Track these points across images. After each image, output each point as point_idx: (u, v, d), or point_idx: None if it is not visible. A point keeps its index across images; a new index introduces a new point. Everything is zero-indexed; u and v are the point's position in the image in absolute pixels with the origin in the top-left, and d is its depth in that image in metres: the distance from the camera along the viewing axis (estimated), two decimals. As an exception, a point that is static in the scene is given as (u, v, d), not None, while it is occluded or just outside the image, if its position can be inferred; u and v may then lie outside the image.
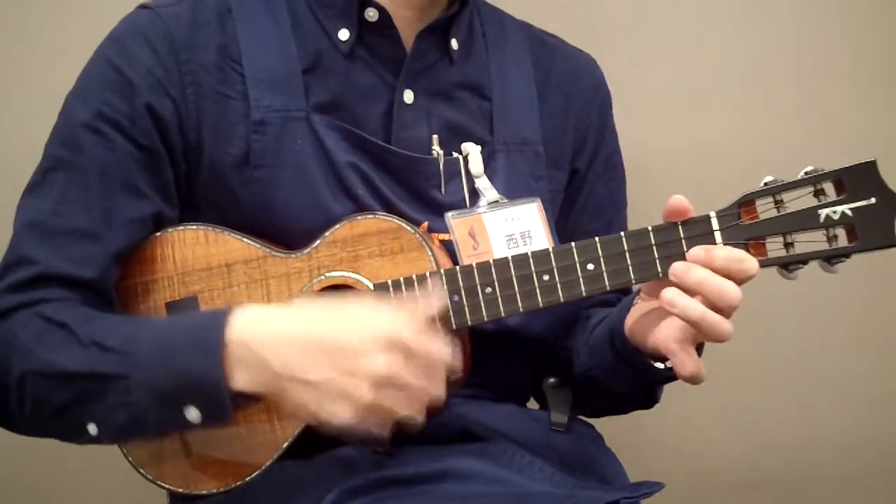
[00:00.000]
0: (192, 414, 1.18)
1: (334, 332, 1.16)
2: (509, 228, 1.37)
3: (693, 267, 1.21)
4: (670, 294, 1.21)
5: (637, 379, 1.36)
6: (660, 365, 1.32)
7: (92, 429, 1.22)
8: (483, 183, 1.40)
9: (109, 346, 1.20)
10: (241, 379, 1.17)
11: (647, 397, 1.46)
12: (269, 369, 1.16)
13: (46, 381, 1.21)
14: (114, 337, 1.21)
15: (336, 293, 1.31)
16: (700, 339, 1.23)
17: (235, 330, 1.18)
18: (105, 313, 1.26)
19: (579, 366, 1.43)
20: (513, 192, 1.40)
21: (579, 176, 1.52)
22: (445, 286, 1.26)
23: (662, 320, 1.25)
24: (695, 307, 1.20)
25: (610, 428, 1.50)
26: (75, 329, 1.22)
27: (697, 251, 1.21)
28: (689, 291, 1.21)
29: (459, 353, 1.20)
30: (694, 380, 1.23)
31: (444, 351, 1.17)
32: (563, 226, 1.49)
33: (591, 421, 1.48)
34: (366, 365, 1.14)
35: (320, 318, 1.18)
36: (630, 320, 1.30)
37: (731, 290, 1.20)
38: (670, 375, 1.33)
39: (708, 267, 1.20)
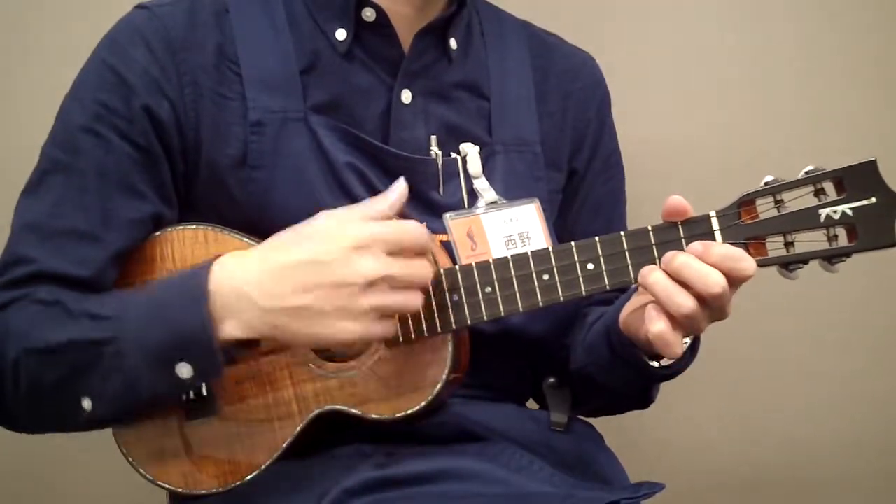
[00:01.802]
0: (184, 371, 1.19)
1: (310, 251, 1.18)
2: (508, 229, 1.37)
3: (679, 253, 1.21)
4: (644, 269, 1.22)
5: (632, 376, 1.36)
6: (655, 363, 1.32)
7: (86, 403, 1.22)
8: (481, 183, 1.40)
9: (100, 313, 1.22)
10: (230, 326, 1.19)
11: (642, 396, 1.46)
12: (257, 308, 1.18)
13: (40, 359, 1.22)
14: (104, 307, 1.22)
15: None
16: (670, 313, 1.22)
17: (216, 279, 1.19)
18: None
19: (575, 362, 1.43)
20: (511, 192, 1.40)
21: (578, 175, 1.52)
22: (447, 293, 1.26)
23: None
24: (653, 273, 1.21)
25: (610, 428, 1.50)
26: (67, 304, 1.23)
27: (695, 245, 1.21)
28: (678, 279, 1.20)
29: (432, 236, 1.23)
30: (661, 342, 1.21)
31: (418, 231, 1.20)
32: (563, 226, 1.49)
33: (591, 421, 1.48)
34: (351, 273, 1.16)
35: (292, 244, 1.21)
36: (624, 313, 1.30)
37: (713, 278, 1.18)
38: (665, 374, 1.33)
39: (703, 261, 1.20)
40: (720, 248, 1.20)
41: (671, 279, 1.20)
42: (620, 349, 1.32)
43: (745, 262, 1.20)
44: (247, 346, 1.23)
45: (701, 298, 1.19)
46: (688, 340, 1.30)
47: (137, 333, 1.20)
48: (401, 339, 1.26)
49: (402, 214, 1.31)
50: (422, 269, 1.21)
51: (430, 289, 1.25)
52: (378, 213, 1.20)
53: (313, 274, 1.17)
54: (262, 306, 1.18)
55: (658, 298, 1.20)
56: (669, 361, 1.31)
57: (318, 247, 1.18)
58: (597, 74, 1.56)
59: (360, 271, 1.17)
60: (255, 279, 1.19)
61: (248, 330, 1.19)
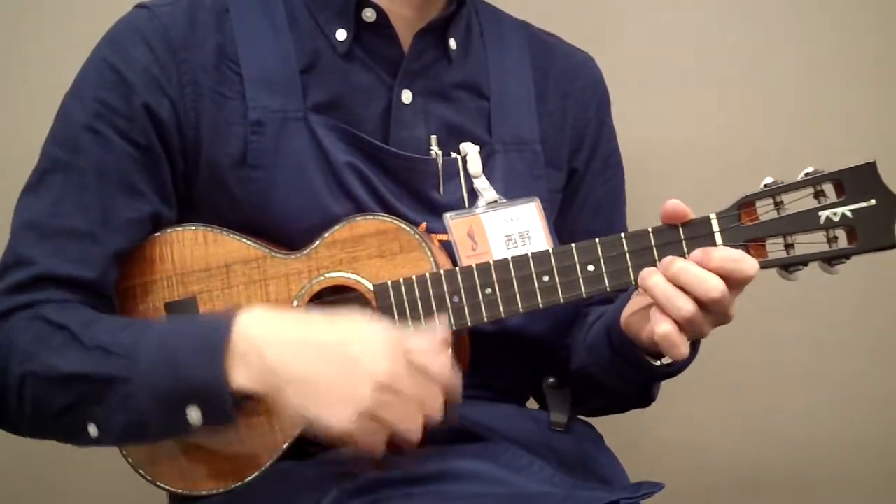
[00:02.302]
0: (194, 416, 1.18)
1: (339, 336, 1.17)
2: (508, 228, 1.37)
3: (676, 259, 1.21)
4: (644, 271, 1.22)
5: (633, 375, 1.36)
6: (656, 362, 1.32)
7: (93, 430, 1.22)
8: (481, 183, 1.40)
9: (111, 349, 1.20)
10: (241, 375, 1.17)
11: (643, 395, 1.46)
12: (269, 367, 1.16)
13: (47, 384, 1.21)
14: (116, 340, 1.21)
15: (336, 294, 1.31)
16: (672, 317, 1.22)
17: (241, 327, 1.18)
18: (106, 315, 1.26)
19: (576, 362, 1.43)
20: (511, 192, 1.40)
21: (578, 175, 1.52)
22: (446, 290, 1.26)
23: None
24: (652, 277, 1.21)
25: (610, 428, 1.50)
26: (76, 331, 1.22)
27: (696, 253, 1.22)
28: (676, 284, 1.21)
29: (459, 379, 1.20)
30: (667, 343, 1.21)
31: (445, 369, 1.18)
32: (563, 225, 1.49)
33: (591, 421, 1.48)
34: (367, 370, 1.14)
35: (326, 323, 1.19)
36: (626, 314, 1.30)
37: (712, 282, 1.19)
38: (667, 372, 1.33)
39: (704, 266, 1.20)
40: (720, 252, 1.21)
41: (670, 283, 1.20)
42: (621, 348, 1.32)
43: (745, 263, 1.20)
44: (251, 398, 1.20)
45: (701, 303, 1.19)
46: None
47: (150, 377, 1.18)
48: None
49: (395, 211, 1.33)
50: (435, 400, 1.18)
51: (430, 290, 1.25)
52: (423, 337, 1.19)
53: (333, 354, 1.16)
54: (276, 369, 1.16)
55: (658, 302, 1.21)
56: (670, 360, 1.31)
57: (349, 333, 1.17)
58: (596, 74, 1.55)
59: (376, 369, 1.15)
60: (277, 341, 1.17)
61: (257, 384, 1.17)
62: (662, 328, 1.20)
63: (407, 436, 1.17)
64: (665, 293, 1.20)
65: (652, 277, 1.21)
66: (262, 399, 1.19)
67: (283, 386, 1.16)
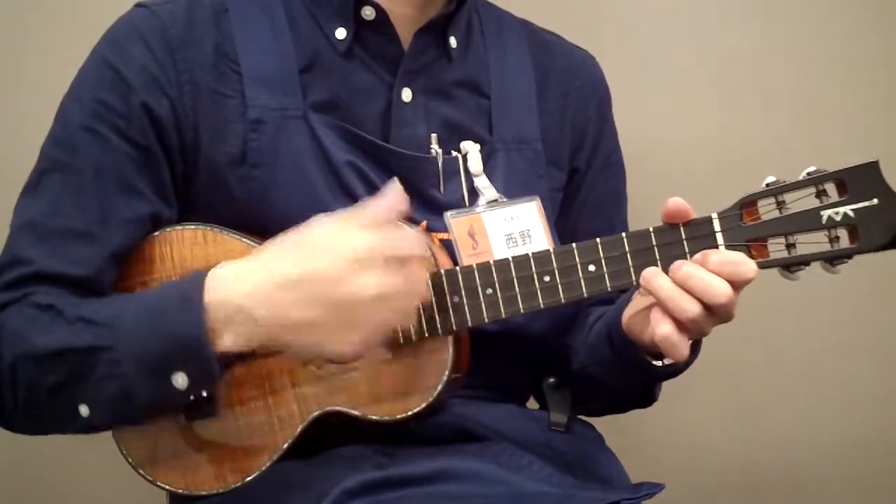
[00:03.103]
0: (179, 380, 1.18)
1: (310, 266, 1.16)
2: (508, 227, 1.37)
3: (684, 263, 1.21)
4: (648, 271, 1.22)
5: (635, 375, 1.36)
6: (657, 362, 1.32)
7: (83, 410, 1.22)
8: (482, 182, 1.40)
9: (95, 319, 1.21)
10: (228, 339, 1.17)
11: (644, 395, 1.46)
12: (254, 321, 1.16)
13: (36, 364, 1.21)
14: (99, 312, 1.21)
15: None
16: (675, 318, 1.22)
17: (212, 291, 1.18)
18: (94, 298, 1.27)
19: (577, 363, 1.43)
20: (512, 190, 1.40)
21: (579, 174, 1.52)
22: (447, 290, 1.26)
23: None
24: (656, 278, 1.21)
25: (610, 428, 1.50)
26: (62, 309, 1.22)
27: (696, 256, 1.22)
28: (684, 288, 1.21)
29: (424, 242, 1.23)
30: (667, 344, 1.21)
31: (416, 240, 1.19)
32: (564, 224, 1.49)
33: (591, 421, 1.48)
34: (354, 290, 1.15)
35: (292, 256, 1.18)
36: (627, 315, 1.30)
37: (719, 288, 1.19)
38: (668, 372, 1.33)
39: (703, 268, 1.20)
40: (718, 255, 1.21)
41: (675, 284, 1.20)
42: (622, 349, 1.32)
43: (744, 265, 1.20)
44: (243, 356, 1.21)
45: (707, 307, 1.19)
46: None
47: (132, 342, 1.18)
48: (401, 341, 1.26)
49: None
50: (420, 281, 1.20)
51: (431, 292, 1.25)
52: (375, 219, 1.18)
53: (315, 290, 1.15)
54: (259, 319, 1.16)
55: (663, 303, 1.20)
56: (671, 360, 1.31)
57: (320, 261, 1.16)
58: (597, 73, 1.55)
59: (363, 288, 1.15)
60: (254, 292, 1.17)
61: (246, 342, 1.18)
62: (663, 329, 1.20)
63: (412, 320, 1.22)
64: (670, 295, 1.20)
65: (657, 279, 1.21)
66: (260, 351, 1.21)
67: (277, 335, 1.17)
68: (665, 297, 1.20)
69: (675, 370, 1.34)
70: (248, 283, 1.18)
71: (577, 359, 1.42)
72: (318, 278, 1.16)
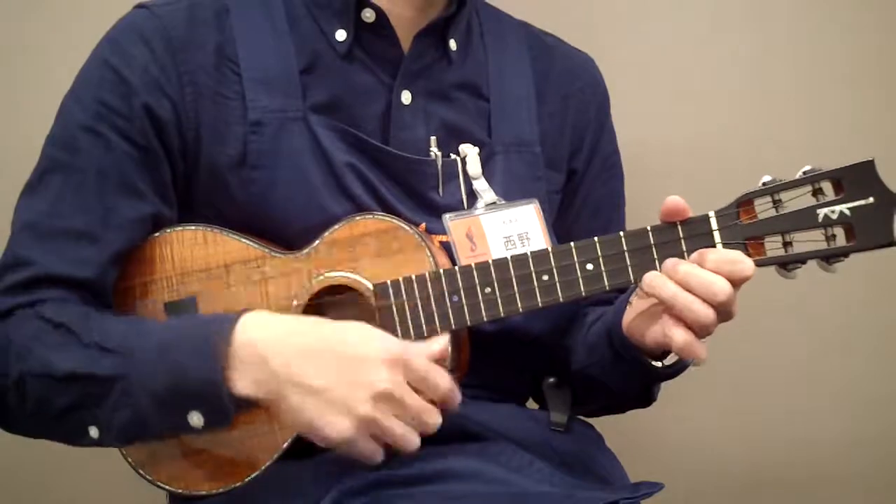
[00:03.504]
0: (195, 419, 1.19)
1: (341, 343, 1.18)
2: (507, 230, 1.37)
3: (680, 262, 1.22)
4: (649, 276, 1.23)
5: (634, 376, 1.36)
6: (657, 363, 1.32)
7: (94, 432, 1.22)
8: (481, 184, 1.40)
9: (109, 346, 1.20)
10: (243, 382, 1.18)
11: (644, 396, 1.46)
12: (271, 372, 1.17)
13: (47, 383, 1.22)
14: (113, 337, 1.21)
15: (335, 293, 1.32)
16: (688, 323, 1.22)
17: (243, 331, 1.18)
18: (104, 313, 1.26)
19: (577, 363, 1.43)
20: (511, 193, 1.40)
21: (577, 176, 1.52)
22: (446, 289, 1.26)
23: (659, 316, 1.25)
24: (668, 286, 1.21)
25: (610, 428, 1.50)
26: (74, 329, 1.22)
27: (693, 256, 1.23)
28: (686, 289, 1.21)
29: (458, 394, 1.21)
30: (687, 352, 1.22)
31: (445, 380, 1.18)
32: (562, 226, 1.49)
33: (591, 421, 1.48)
34: (369, 378, 1.15)
35: (329, 329, 1.20)
36: (628, 318, 1.30)
37: (719, 285, 1.20)
38: (668, 373, 1.34)
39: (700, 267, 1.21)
40: (715, 254, 1.21)
41: (686, 290, 1.20)
42: (622, 350, 1.32)
43: (742, 263, 1.21)
44: (253, 403, 1.20)
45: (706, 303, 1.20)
46: None
47: (148, 376, 1.19)
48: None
49: (394, 212, 1.33)
50: (432, 416, 1.19)
51: (430, 290, 1.25)
52: (417, 352, 1.19)
53: (335, 362, 1.17)
54: (278, 374, 1.17)
55: (669, 305, 1.21)
56: (671, 361, 1.32)
57: (351, 342, 1.18)
58: (596, 75, 1.56)
59: (379, 380, 1.16)
60: (280, 346, 1.18)
61: (259, 390, 1.18)
62: (678, 336, 1.21)
63: (404, 446, 1.18)
64: (674, 294, 1.20)
65: (667, 286, 1.21)
66: (263, 404, 1.20)
67: (284, 390, 1.17)
68: (669, 297, 1.21)
69: (675, 371, 1.34)
70: (277, 332, 1.19)
71: (576, 359, 1.43)
72: (345, 354, 1.17)
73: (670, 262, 1.22)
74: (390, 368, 1.16)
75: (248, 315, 1.20)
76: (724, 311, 1.22)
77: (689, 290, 1.20)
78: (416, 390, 1.18)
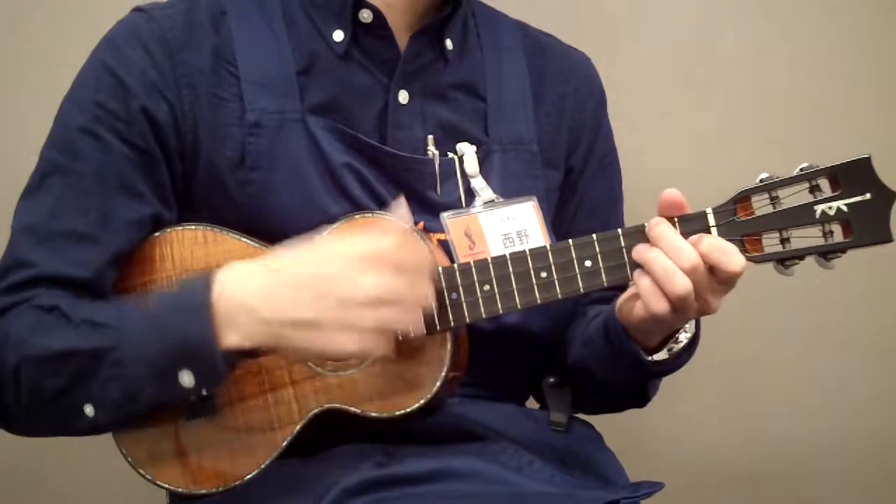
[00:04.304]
0: (185, 378, 1.20)
1: (316, 266, 1.19)
2: (505, 228, 1.37)
3: (663, 222, 1.23)
4: (639, 245, 1.24)
5: (628, 369, 1.36)
6: (650, 357, 1.33)
7: (89, 410, 1.22)
8: (478, 183, 1.40)
9: (99, 321, 1.22)
10: (233, 336, 1.19)
11: (639, 393, 1.46)
12: (260, 318, 1.18)
13: (40, 366, 1.22)
14: (104, 313, 1.23)
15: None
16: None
17: (221, 286, 1.20)
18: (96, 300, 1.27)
19: (573, 356, 1.43)
20: (508, 191, 1.41)
21: (574, 175, 1.52)
22: (445, 287, 1.26)
23: None
24: (649, 249, 1.23)
25: (610, 428, 1.50)
26: (65, 310, 1.23)
27: (693, 238, 1.23)
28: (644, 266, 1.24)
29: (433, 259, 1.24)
30: (650, 305, 1.23)
31: (424, 254, 1.21)
32: (560, 225, 1.49)
33: (591, 420, 1.48)
34: (356, 290, 1.17)
35: (299, 257, 1.21)
36: (620, 301, 1.31)
37: (677, 278, 1.20)
38: (660, 370, 1.34)
39: (695, 248, 1.21)
40: (710, 239, 1.22)
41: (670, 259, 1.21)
42: (618, 343, 1.32)
43: (731, 255, 1.21)
44: (247, 354, 1.22)
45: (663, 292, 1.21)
46: (684, 339, 1.31)
47: (137, 343, 1.20)
48: (400, 338, 1.26)
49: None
50: (422, 291, 1.21)
51: (434, 303, 1.25)
52: (386, 233, 1.21)
53: (317, 288, 1.18)
54: (265, 317, 1.18)
55: (654, 274, 1.22)
56: (664, 356, 1.32)
57: (324, 261, 1.19)
58: (592, 74, 1.56)
59: (364, 287, 1.17)
60: (259, 290, 1.19)
61: (249, 340, 1.19)
62: (639, 279, 1.23)
63: (415, 331, 1.21)
64: (663, 266, 1.21)
65: (648, 249, 1.23)
66: (261, 350, 1.21)
67: (281, 332, 1.18)
68: (649, 260, 1.22)
69: (669, 368, 1.34)
70: (255, 281, 1.20)
71: (573, 352, 1.43)
72: (322, 276, 1.18)
73: (654, 220, 1.24)
74: (373, 270, 1.17)
75: (223, 271, 1.21)
76: (695, 287, 1.21)
77: (664, 253, 1.21)
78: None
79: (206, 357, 1.19)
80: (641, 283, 1.23)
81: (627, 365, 1.34)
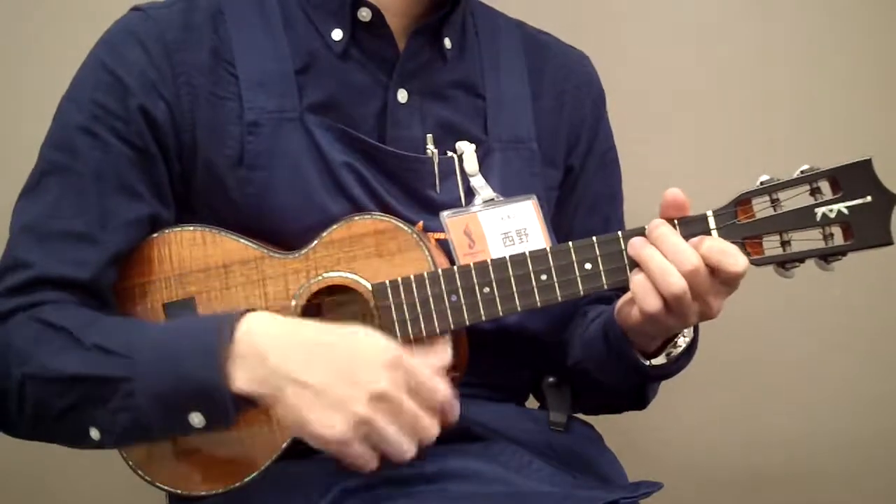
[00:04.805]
0: (196, 420, 1.18)
1: (341, 343, 1.18)
2: (505, 226, 1.37)
3: (663, 224, 1.23)
4: (634, 239, 1.24)
5: (627, 372, 1.35)
6: (648, 361, 1.33)
7: (94, 433, 1.22)
8: (478, 181, 1.40)
9: (110, 349, 1.20)
10: (242, 378, 1.17)
11: (638, 395, 1.45)
12: (270, 368, 1.17)
13: (47, 386, 1.22)
14: (115, 340, 1.21)
15: (333, 294, 1.32)
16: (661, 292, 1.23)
17: (246, 328, 1.18)
18: (105, 316, 1.26)
19: (573, 357, 1.43)
20: (508, 190, 1.40)
21: (574, 173, 1.51)
22: (444, 289, 1.26)
23: None
24: (646, 247, 1.22)
25: (610, 428, 1.50)
26: (75, 332, 1.22)
27: (694, 239, 1.22)
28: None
29: (457, 406, 1.21)
30: (643, 302, 1.22)
31: (444, 388, 1.18)
32: (560, 223, 1.49)
33: (591, 421, 1.48)
34: (367, 378, 1.15)
35: (330, 330, 1.20)
36: (619, 303, 1.30)
37: (672, 277, 1.20)
38: (658, 374, 1.34)
39: (695, 250, 1.21)
40: (711, 240, 1.21)
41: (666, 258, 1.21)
42: (616, 345, 1.32)
43: (732, 256, 1.20)
44: (252, 401, 1.20)
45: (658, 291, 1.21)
46: (682, 343, 1.32)
47: (150, 378, 1.18)
48: (399, 342, 1.26)
49: (392, 211, 1.33)
50: (430, 426, 1.18)
51: (428, 290, 1.25)
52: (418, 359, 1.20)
53: (333, 361, 1.16)
54: (272, 364, 1.17)
55: (651, 274, 1.21)
56: (662, 361, 1.32)
57: (351, 342, 1.18)
58: (591, 72, 1.55)
59: (376, 380, 1.15)
60: (279, 342, 1.18)
61: (256, 384, 1.17)
62: (640, 284, 1.22)
63: (398, 453, 1.16)
64: (659, 266, 1.21)
65: (646, 247, 1.23)
66: (261, 402, 1.19)
67: (281, 385, 1.16)
68: (646, 259, 1.22)
69: (667, 372, 1.34)
70: (277, 330, 1.19)
71: (573, 353, 1.43)
72: (340, 351, 1.17)
73: (655, 222, 1.23)
74: (390, 370, 1.16)
75: (252, 314, 1.20)
76: (698, 293, 1.21)
77: (664, 255, 1.21)
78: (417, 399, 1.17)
79: (218, 402, 1.17)
80: (635, 279, 1.23)
81: (626, 368, 1.34)
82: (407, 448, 1.16)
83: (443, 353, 1.22)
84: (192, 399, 1.18)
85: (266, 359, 1.17)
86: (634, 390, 1.43)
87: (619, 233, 1.26)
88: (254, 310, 1.22)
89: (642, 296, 1.22)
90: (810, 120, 1.91)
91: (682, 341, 1.32)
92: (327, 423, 1.14)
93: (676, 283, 1.20)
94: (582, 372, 1.41)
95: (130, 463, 1.31)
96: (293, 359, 1.17)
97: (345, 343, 1.18)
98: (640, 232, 1.25)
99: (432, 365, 1.19)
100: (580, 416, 1.48)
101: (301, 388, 1.16)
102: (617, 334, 1.31)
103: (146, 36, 1.32)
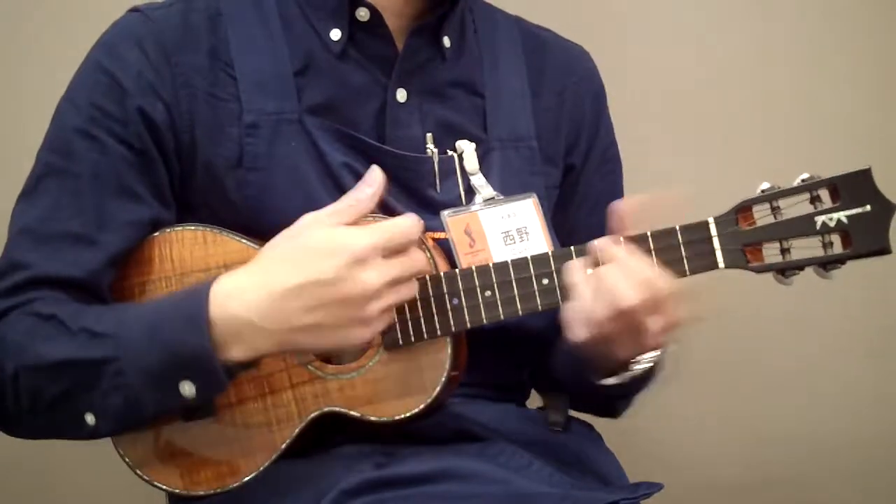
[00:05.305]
0: (187, 388, 1.20)
1: (311, 271, 1.19)
2: (505, 225, 1.37)
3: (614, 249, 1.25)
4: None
5: (589, 386, 1.35)
6: (604, 381, 1.33)
7: (90, 419, 1.22)
8: (478, 180, 1.39)
9: (98, 331, 1.21)
10: (236, 351, 1.20)
11: (606, 409, 1.48)
12: (264, 332, 1.19)
13: (39, 374, 1.22)
14: (102, 322, 1.22)
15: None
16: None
17: (217, 307, 1.19)
18: (95, 305, 1.27)
19: (552, 364, 1.43)
20: (508, 188, 1.40)
21: (575, 170, 1.51)
22: (446, 292, 1.27)
23: None
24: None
25: (610, 428, 1.50)
26: (64, 319, 1.23)
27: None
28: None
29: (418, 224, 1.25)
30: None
31: (408, 227, 1.22)
32: (562, 221, 1.49)
33: (590, 421, 1.49)
34: (357, 288, 1.18)
35: (290, 262, 1.21)
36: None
37: (622, 290, 1.21)
38: (616, 394, 1.36)
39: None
40: (606, 269, 1.24)
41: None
42: (573, 359, 1.33)
43: (622, 291, 1.22)
44: (248, 364, 1.22)
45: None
46: (639, 369, 1.33)
47: (138, 353, 1.19)
48: (400, 343, 1.27)
49: (393, 210, 1.33)
50: (417, 262, 1.23)
51: (430, 292, 1.26)
52: (361, 210, 1.24)
53: (318, 294, 1.18)
54: (270, 329, 1.18)
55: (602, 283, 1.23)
56: (613, 382, 1.33)
57: (318, 265, 1.19)
58: (591, 68, 1.55)
59: (365, 284, 1.18)
60: (256, 305, 1.19)
61: (255, 352, 1.20)
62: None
63: (412, 299, 1.25)
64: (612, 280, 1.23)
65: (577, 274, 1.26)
66: (269, 356, 1.23)
67: (290, 339, 1.20)
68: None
69: (623, 392, 1.36)
70: (252, 296, 1.20)
71: (551, 361, 1.43)
72: (321, 282, 1.18)
73: (603, 248, 1.25)
74: (367, 266, 1.19)
75: (215, 288, 1.21)
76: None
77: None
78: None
79: (207, 367, 1.19)
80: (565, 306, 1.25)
81: (581, 382, 1.35)
82: (413, 290, 1.25)
83: (371, 180, 1.27)
84: (181, 367, 1.19)
85: (255, 325, 1.19)
86: (602, 402, 1.45)
87: (620, 238, 1.26)
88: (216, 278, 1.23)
89: (574, 325, 1.25)
90: (810, 120, 1.90)
91: (639, 367, 1.32)
92: (352, 337, 1.21)
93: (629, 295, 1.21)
94: (558, 381, 1.43)
95: (129, 462, 1.31)
96: (282, 314, 1.19)
97: (313, 269, 1.19)
98: (642, 238, 1.26)
99: (369, 197, 1.25)
100: (580, 415, 1.48)
101: (307, 331, 1.20)
102: (575, 347, 1.31)
103: (144, 37, 1.32)
